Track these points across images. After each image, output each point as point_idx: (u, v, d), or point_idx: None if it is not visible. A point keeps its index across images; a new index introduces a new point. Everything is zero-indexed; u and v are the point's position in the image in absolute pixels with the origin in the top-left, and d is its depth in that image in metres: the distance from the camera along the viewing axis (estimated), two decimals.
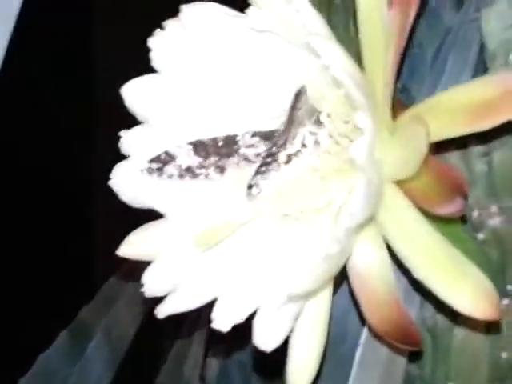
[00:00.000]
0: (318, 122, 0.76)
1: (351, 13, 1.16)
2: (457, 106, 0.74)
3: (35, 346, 1.28)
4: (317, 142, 0.76)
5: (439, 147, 0.81)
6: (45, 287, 1.94)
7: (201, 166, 0.80)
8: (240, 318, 0.73)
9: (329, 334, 0.80)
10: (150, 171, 0.80)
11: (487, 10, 0.95)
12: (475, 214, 0.95)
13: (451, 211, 0.73)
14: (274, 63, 0.77)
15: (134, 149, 0.80)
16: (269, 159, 0.77)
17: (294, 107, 0.76)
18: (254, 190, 0.77)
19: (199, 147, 0.80)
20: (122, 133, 0.80)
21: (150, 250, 0.80)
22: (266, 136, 0.78)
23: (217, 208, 0.80)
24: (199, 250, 0.77)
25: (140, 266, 0.81)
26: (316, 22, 0.71)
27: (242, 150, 0.79)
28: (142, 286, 0.79)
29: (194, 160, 0.79)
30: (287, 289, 0.70)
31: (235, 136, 0.79)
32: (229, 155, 0.79)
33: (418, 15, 0.80)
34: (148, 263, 0.80)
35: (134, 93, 0.80)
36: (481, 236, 0.94)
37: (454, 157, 0.96)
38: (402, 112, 0.80)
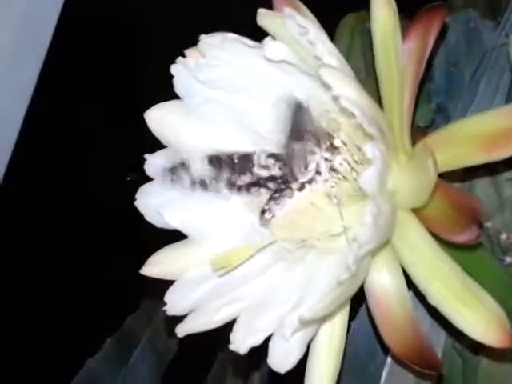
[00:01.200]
0: (333, 149, 0.77)
1: None
2: (472, 136, 0.75)
3: (82, 353, 1.31)
4: (332, 169, 0.77)
5: (468, 170, 0.82)
6: (94, 297, 1.98)
7: (213, 179, 0.81)
8: (257, 341, 0.75)
9: (358, 350, 0.81)
10: (164, 176, 0.81)
11: None
12: (503, 237, 0.96)
13: (466, 239, 0.74)
14: (290, 92, 0.79)
15: (159, 171, 0.82)
16: (282, 186, 0.79)
17: (295, 127, 0.78)
18: (267, 215, 0.78)
19: (214, 160, 0.81)
20: (147, 156, 0.83)
21: (173, 270, 0.82)
22: (281, 159, 0.79)
23: (236, 231, 0.81)
24: (217, 272, 0.79)
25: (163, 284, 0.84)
26: (330, 54, 0.72)
27: (256, 170, 0.80)
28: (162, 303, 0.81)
29: (206, 171, 0.81)
30: (299, 314, 0.71)
31: (251, 154, 0.80)
32: (242, 172, 0.80)
33: (436, 45, 0.81)
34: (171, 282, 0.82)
35: (158, 117, 0.83)
36: (509, 259, 0.95)
37: (483, 181, 0.96)
38: (421, 138, 0.81)
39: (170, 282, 0.84)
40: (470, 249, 0.82)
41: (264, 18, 0.76)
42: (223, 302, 0.78)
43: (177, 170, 0.82)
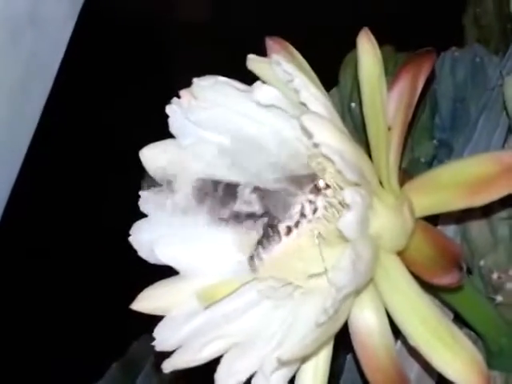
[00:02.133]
0: (316, 190, 0.79)
1: (390, 72, 1.19)
2: (455, 182, 0.77)
3: (88, 377, 1.33)
4: (316, 210, 0.79)
5: (463, 210, 0.83)
6: (99, 321, 2.00)
7: (194, 206, 0.82)
8: (240, 381, 0.77)
9: None
10: (146, 200, 0.83)
11: (509, 76, 0.97)
12: (495, 276, 0.97)
13: (448, 282, 0.76)
14: (280, 134, 0.81)
15: (151, 207, 0.84)
16: (270, 230, 0.80)
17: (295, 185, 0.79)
18: (256, 261, 0.80)
19: (199, 186, 0.82)
20: (141, 192, 0.85)
21: (163, 306, 0.84)
22: (265, 195, 0.80)
23: (225, 267, 0.83)
24: (203, 305, 0.80)
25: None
26: (315, 101, 0.74)
27: (238, 205, 0.80)
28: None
29: (189, 196, 0.82)
30: (277, 355, 0.73)
31: (236, 186, 0.81)
32: (224, 204, 0.81)
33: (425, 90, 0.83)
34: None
35: (152, 156, 0.85)
36: (499, 298, 0.96)
37: (479, 221, 0.98)
38: (407, 181, 0.83)
39: None
40: (456, 290, 0.84)
41: (253, 63, 0.78)
42: (209, 338, 0.80)
43: (162, 190, 0.83)
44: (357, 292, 0.77)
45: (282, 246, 0.80)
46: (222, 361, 0.78)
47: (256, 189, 0.81)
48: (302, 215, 0.79)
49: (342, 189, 0.78)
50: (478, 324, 0.92)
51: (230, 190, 0.82)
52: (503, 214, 0.99)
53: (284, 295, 0.80)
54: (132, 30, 2.23)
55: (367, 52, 0.77)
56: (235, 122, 0.82)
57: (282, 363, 0.73)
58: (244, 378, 0.76)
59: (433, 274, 0.76)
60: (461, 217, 1.00)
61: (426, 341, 0.75)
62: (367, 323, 0.79)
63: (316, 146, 0.72)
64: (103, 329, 1.98)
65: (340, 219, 0.70)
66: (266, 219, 0.80)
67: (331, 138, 0.72)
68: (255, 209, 0.80)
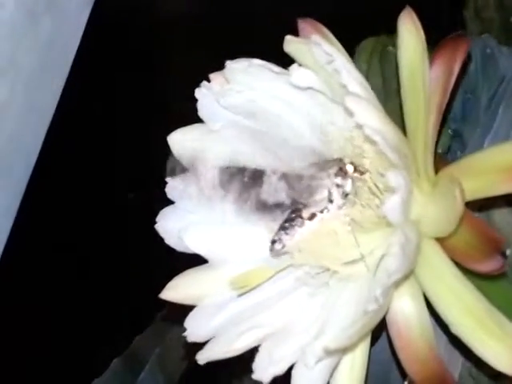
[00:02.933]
0: (343, 174, 0.77)
1: None
2: (496, 166, 0.75)
3: (90, 373, 1.31)
4: (345, 194, 0.77)
5: (486, 199, 0.82)
6: (101, 316, 1.97)
7: (219, 192, 0.79)
8: (280, 370, 0.75)
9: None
10: (173, 187, 0.81)
11: None
12: None
13: (490, 268, 0.74)
14: (315, 118, 0.79)
15: (178, 195, 0.82)
16: (293, 215, 0.78)
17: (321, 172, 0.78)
18: (277, 246, 0.78)
19: (225, 171, 0.80)
20: (168, 179, 0.82)
21: (193, 295, 0.82)
22: (292, 181, 0.78)
23: (257, 255, 0.81)
24: (237, 293, 0.78)
25: (184, 307, 0.83)
26: (355, 82, 0.72)
27: (264, 192, 0.78)
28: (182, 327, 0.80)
29: (215, 184, 0.79)
30: (324, 344, 0.70)
31: (263, 173, 0.79)
32: (250, 191, 0.79)
33: (463, 70, 0.81)
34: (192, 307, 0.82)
35: (181, 140, 0.82)
36: None
37: (501, 209, 0.96)
38: (444, 166, 0.81)
39: (181, 305, 0.84)
40: (492, 279, 0.82)
41: (291, 44, 0.76)
42: (244, 328, 0.78)
43: (187, 175, 0.81)
44: (398, 283, 0.75)
45: (307, 230, 0.78)
46: (261, 349, 0.76)
47: (283, 176, 0.79)
48: (330, 200, 0.78)
49: (380, 174, 0.77)
50: (510, 315, 0.90)
51: (257, 177, 0.79)
52: None
53: (321, 282, 0.78)
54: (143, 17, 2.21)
55: (409, 32, 0.76)
56: (268, 105, 0.80)
57: (328, 353, 0.71)
58: (285, 367, 0.74)
59: (475, 261, 0.74)
60: (483, 205, 0.98)
61: (470, 330, 0.73)
62: (405, 313, 0.78)
63: (358, 126, 0.70)
64: (105, 323, 1.95)
65: (385, 203, 0.68)
66: (292, 206, 0.78)
67: (374, 118, 0.70)
68: (282, 197, 0.78)
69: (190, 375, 1.35)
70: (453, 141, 1.26)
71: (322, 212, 0.78)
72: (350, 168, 0.78)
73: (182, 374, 1.35)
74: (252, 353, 0.78)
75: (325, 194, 0.78)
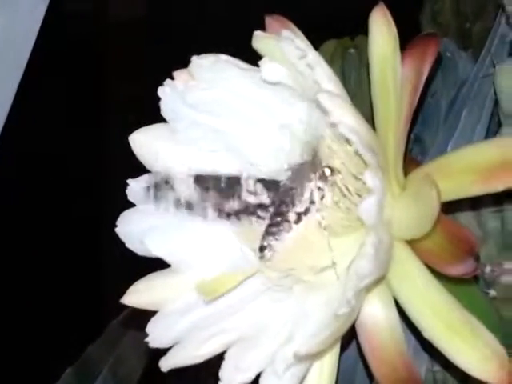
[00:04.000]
0: (324, 177, 0.75)
1: (365, 62, 1.17)
2: (469, 167, 0.73)
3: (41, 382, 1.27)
4: (324, 197, 0.75)
5: (451, 203, 0.80)
6: (51, 324, 1.93)
7: (199, 201, 0.77)
8: (248, 378, 0.72)
9: None
10: (147, 194, 0.78)
11: (502, 66, 0.94)
12: (488, 269, 0.94)
13: (463, 272, 0.72)
14: (284, 116, 0.77)
15: (139, 197, 0.79)
16: (279, 218, 0.76)
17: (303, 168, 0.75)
18: (267, 253, 0.75)
19: (200, 181, 0.78)
20: (130, 181, 0.79)
21: (155, 300, 0.79)
22: (269, 186, 0.77)
23: (223, 259, 0.78)
24: (204, 299, 0.76)
25: (142, 313, 0.81)
26: (328, 79, 0.70)
27: (244, 195, 0.76)
28: (145, 332, 0.77)
29: (192, 191, 0.77)
30: (295, 349, 0.68)
31: (239, 178, 0.77)
32: (229, 197, 0.77)
33: (432, 71, 0.80)
34: (151, 312, 0.79)
35: (142, 141, 0.80)
36: (492, 292, 0.93)
37: (466, 213, 0.95)
38: (413, 168, 0.79)
39: (137, 312, 0.81)
40: (462, 282, 0.80)
41: (260, 40, 0.74)
42: (209, 334, 0.75)
43: (160, 187, 0.78)
44: (369, 287, 0.73)
45: (293, 235, 0.75)
46: (227, 356, 0.73)
47: (259, 180, 0.77)
48: (311, 202, 0.75)
49: (352, 175, 0.75)
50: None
51: (233, 182, 0.77)
52: (492, 207, 0.96)
53: (287, 287, 0.75)
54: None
55: (380, 28, 0.74)
56: (234, 103, 0.78)
57: (299, 359, 0.68)
58: (253, 375, 0.71)
59: (447, 264, 0.73)
60: (447, 210, 0.97)
61: (443, 336, 0.72)
62: (375, 316, 0.76)
63: (333, 125, 0.68)
64: (57, 330, 1.92)
65: (361, 204, 0.67)
66: (273, 209, 0.76)
67: (349, 116, 0.68)
68: (263, 198, 0.76)
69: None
70: (413, 145, 1.25)
71: (305, 214, 0.76)
72: (327, 171, 0.76)
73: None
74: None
75: (307, 195, 0.76)
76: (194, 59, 0.76)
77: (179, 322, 0.76)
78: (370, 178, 0.67)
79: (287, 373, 0.70)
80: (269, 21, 0.79)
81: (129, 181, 0.80)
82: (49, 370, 1.27)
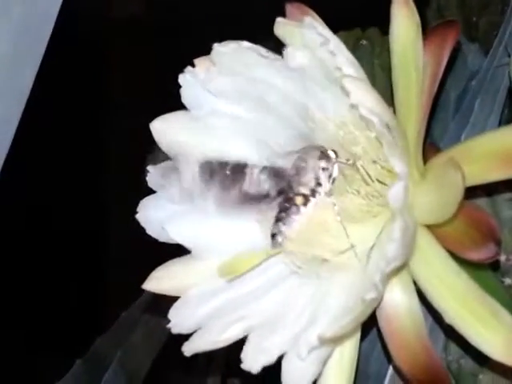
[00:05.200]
0: (326, 157, 0.76)
1: (376, 53, 1.17)
2: (491, 152, 0.74)
3: (51, 376, 1.28)
4: (331, 178, 0.76)
5: (466, 191, 0.81)
6: (60, 317, 1.94)
7: (201, 191, 0.78)
8: (270, 360, 0.72)
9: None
10: (154, 176, 0.79)
11: None
12: (503, 258, 0.95)
13: (484, 257, 0.72)
14: (304, 104, 0.77)
15: (160, 183, 0.80)
16: (287, 204, 0.77)
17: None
18: (279, 239, 0.76)
19: (205, 169, 0.78)
20: (149, 167, 0.80)
21: (177, 286, 0.79)
22: (275, 174, 0.77)
23: (243, 244, 0.79)
24: (224, 279, 0.77)
25: (162, 299, 0.81)
26: (350, 65, 0.70)
27: (246, 186, 0.77)
28: (165, 320, 0.78)
29: (196, 181, 0.78)
30: (319, 333, 0.69)
31: (245, 166, 0.78)
32: (233, 185, 0.77)
33: (451, 60, 0.80)
34: (172, 298, 0.79)
35: (163, 128, 0.80)
36: (508, 281, 0.94)
37: (480, 201, 0.95)
38: (433, 155, 0.80)
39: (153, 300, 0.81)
40: (481, 269, 0.81)
41: (281, 26, 0.74)
42: (232, 319, 0.75)
43: (168, 175, 0.79)
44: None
45: (303, 217, 0.77)
46: (249, 339, 0.74)
47: (265, 168, 0.78)
48: (318, 184, 0.76)
49: (373, 161, 0.75)
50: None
51: (239, 170, 0.78)
52: (508, 195, 0.97)
53: (311, 271, 0.76)
54: None
55: (403, 14, 0.74)
56: (255, 91, 0.78)
57: (323, 342, 0.69)
58: (275, 357, 0.72)
59: (467, 249, 0.73)
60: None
61: (464, 319, 0.72)
62: (395, 300, 0.76)
63: (354, 107, 0.68)
64: (67, 323, 1.92)
65: (391, 188, 0.67)
66: (280, 197, 0.77)
67: (370, 99, 0.68)
68: (266, 188, 0.77)
69: (153, 377, 1.33)
70: None
71: (313, 196, 0.77)
72: (331, 154, 0.76)
73: (146, 376, 1.33)
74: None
75: (311, 176, 0.77)
76: (216, 46, 0.76)
77: (201, 307, 0.77)
78: (397, 163, 0.67)
79: (310, 355, 0.70)
80: (289, 8, 0.79)
81: (149, 167, 0.80)
82: (58, 362, 1.27)
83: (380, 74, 1.19)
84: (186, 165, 0.78)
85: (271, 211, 0.78)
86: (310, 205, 0.77)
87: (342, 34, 1.22)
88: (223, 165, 0.78)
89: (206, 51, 0.78)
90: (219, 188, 0.78)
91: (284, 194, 0.78)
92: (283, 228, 0.77)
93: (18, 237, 2.04)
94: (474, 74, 1.16)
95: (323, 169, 0.76)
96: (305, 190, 0.77)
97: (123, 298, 1.17)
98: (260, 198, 0.78)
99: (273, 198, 0.78)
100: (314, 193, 0.77)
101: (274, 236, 0.77)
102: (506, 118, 1.09)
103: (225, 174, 0.77)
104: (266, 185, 0.77)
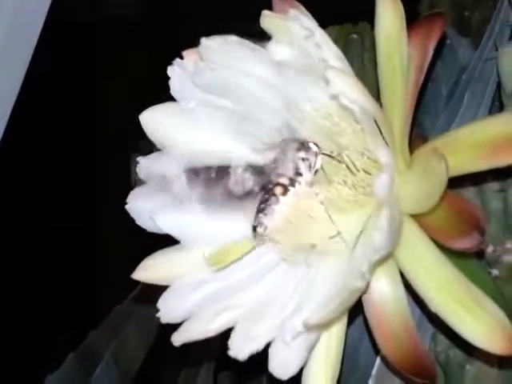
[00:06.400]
0: (305, 147, 0.77)
1: (367, 47, 1.18)
2: (476, 141, 0.74)
3: (43, 369, 1.28)
4: (312, 168, 0.76)
5: (454, 183, 0.81)
6: (53, 310, 1.94)
7: (187, 196, 0.79)
8: (257, 347, 0.73)
9: (342, 363, 0.80)
10: (144, 167, 0.80)
11: (504, 48, 0.96)
12: (490, 249, 0.95)
13: (467, 246, 0.73)
14: (291, 96, 0.78)
15: (150, 175, 0.80)
16: (266, 195, 0.78)
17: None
18: (259, 230, 0.77)
19: (192, 175, 0.79)
20: (140, 159, 0.81)
21: (166, 275, 0.80)
22: (257, 170, 0.78)
23: (232, 234, 0.80)
24: (212, 270, 0.77)
25: (155, 290, 0.82)
26: (335, 57, 0.71)
27: (230, 186, 0.78)
28: (154, 310, 0.78)
29: (183, 188, 0.79)
30: (304, 319, 0.69)
31: (228, 167, 0.79)
32: (218, 185, 0.78)
33: (436, 51, 0.81)
34: (162, 288, 0.80)
35: (152, 119, 0.81)
36: (495, 271, 0.94)
37: (468, 193, 0.96)
38: (419, 145, 0.80)
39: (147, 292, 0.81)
40: (466, 258, 0.82)
41: (267, 19, 0.75)
42: (221, 308, 0.76)
43: (160, 183, 0.80)
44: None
45: (284, 207, 0.77)
46: (237, 327, 0.74)
47: (248, 166, 0.79)
48: (297, 173, 0.77)
49: (359, 152, 0.76)
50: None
51: (223, 171, 0.79)
52: (495, 186, 0.97)
53: (300, 258, 0.77)
54: None
55: (387, 6, 0.75)
56: (243, 83, 0.79)
57: (308, 327, 0.70)
58: (262, 344, 0.73)
59: (451, 238, 0.74)
60: (450, 189, 0.98)
61: (447, 306, 0.73)
62: (381, 290, 0.77)
63: (334, 97, 0.70)
64: (59, 317, 1.92)
65: (376, 179, 0.68)
66: (263, 191, 0.78)
67: (351, 88, 0.69)
68: (249, 186, 0.78)
69: (145, 370, 1.34)
70: (414, 128, 1.26)
71: (293, 185, 0.78)
72: (312, 145, 0.77)
73: (138, 370, 1.34)
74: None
75: (290, 166, 0.78)
76: (203, 41, 0.77)
77: (190, 296, 0.78)
78: (382, 154, 0.68)
79: (295, 341, 0.71)
80: (276, 1, 0.80)
81: (139, 158, 0.81)
82: (50, 355, 1.28)
83: (370, 67, 1.19)
84: (175, 173, 0.79)
85: (255, 206, 0.79)
86: (289, 194, 0.78)
87: (333, 29, 1.23)
88: (208, 168, 0.79)
89: None
90: (204, 189, 0.79)
91: (265, 187, 0.78)
92: (263, 219, 0.77)
93: (8, 234, 2.05)
94: (464, 68, 1.17)
95: (303, 159, 0.77)
96: (283, 180, 0.78)
97: (116, 292, 1.18)
98: (244, 196, 0.79)
99: (256, 193, 0.78)
100: (293, 182, 0.78)
101: (254, 228, 0.78)
102: (495, 110, 1.09)
103: (209, 177, 0.79)
104: (249, 182, 0.78)
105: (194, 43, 0.80)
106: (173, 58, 0.81)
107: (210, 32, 0.79)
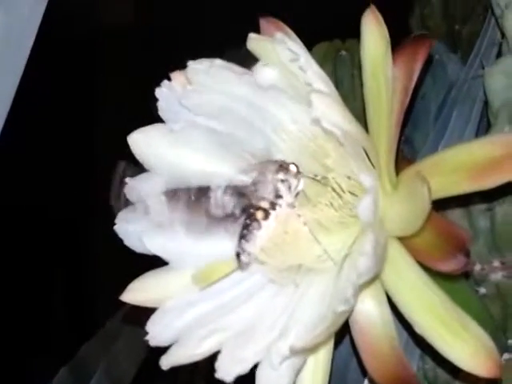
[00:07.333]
0: (284, 169, 0.77)
1: (356, 64, 1.19)
2: (460, 165, 0.75)
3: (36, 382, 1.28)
4: (292, 189, 0.77)
5: (441, 202, 0.82)
6: (46, 323, 1.94)
7: (168, 219, 0.79)
8: (244, 370, 0.74)
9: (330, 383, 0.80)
10: (133, 188, 0.80)
11: (491, 67, 0.96)
12: (477, 268, 0.96)
13: (453, 268, 0.73)
14: (277, 118, 0.78)
15: (139, 196, 0.81)
16: (248, 221, 0.78)
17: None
18: (243, 258, 0.77)
19: (172, 198, 0.80)
20: (128, 180, 0.81)
21: (154, 297, 0.80)
22: (237, 192, 0.79)
23: (216, 254, 0.80)
24: (199, 287, 0.78)
25: (142, 311, 0.82)
26: (320, 80, 0.72)
27: (211, 209, 0.78)
28: (143, 330, 0.79)
29: (163, 213, 0.79)
30: (290, 343, 0.70)
31: (208, 189, 0.79)
32: (197, 211, 0.79)
33: (425, 67, 0.81)
34: (151, 309, 0.80)
35: (140, 141, 0.81)
36: (482, 290, 0.95)
37: (456, 212, 0.96)
38: (405, 166, 0.81)
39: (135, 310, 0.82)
40: (452, 279, 0.82)
41: (254, 42, 0.75)
42: (207, 331, 0.77)
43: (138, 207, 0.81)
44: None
45: (266, 232, 0.78)
46: (224, 349, 0.75)
47: (228, 188, 0.79)
48: (278, 196, 0.77)
49: (345, 175, 0.76)
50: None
51: (202, 194, 0.79)
52: (483, 205, 0.98)
53: (288, 279, 0.77)
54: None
55: (372, 30, 0.76)
56: (229, 106, 0.80)
57: (294, 352, 0.70)
58: (249, 367, 0.73)
59: (437, 260, 0.74)
60: (437, 209, 0.99)
61: (432, 329, 0.73)
62: (368, 311, 0.77)
63: (316, 121, 0.70)
64: (51, 331, 1.92)
65: (358, 203, 0.68)
66: (244, 214, 0.78)
67: (333, 112, 0.70)
68: (230, 208, 0.78)
69: (138, 383, 1.34)
70: (403, 146, 1.27)
71: (273, 209, 0.78)
72: (292, 167, 0.77)
73: (131, 382, 1.34)
74: None
75: (270, 188, 0.78)
76: (191, 64, 0.77)
77: (178, 319, 0.78)
78: (368, 179, 0.69)
79: (283, 365, 0.72)
80: (263, 23, 0.80)
81: (127, 179, 0.82)
82: (43, 369, 1.28)
83: (359, 84, 1.20)
84: (153, 199, 0.79)
85: (237, 228, 0.79)
86: (271, 218, 0.78)
87: (322, 45, 1.24)
88: (187, 190, 0.79)
89: (192, 57, 0.79)
90: (185, 213, 0.79)
91: (246, 211, 0.78)
92: (246, 246, 0.77)
93: (7, 234, 2.05)
94: (453, 85, 1.17)
95: (282, 180, 0.77)
96: (264, 204, 0.78)
97: (109, 304, 1.18)
98: (226, 218, 0.79)
99: (238, 216, 0.78)
100: (273, 205, 0.78)
101: (238, 255, 0.78)
102: (484, 127, 1.10)
103: (189, 200, 0.79)
104: (230, 204, 0.78)
105: (188, 54, 0.80)
106: (167, 68, 0.81)
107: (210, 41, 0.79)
